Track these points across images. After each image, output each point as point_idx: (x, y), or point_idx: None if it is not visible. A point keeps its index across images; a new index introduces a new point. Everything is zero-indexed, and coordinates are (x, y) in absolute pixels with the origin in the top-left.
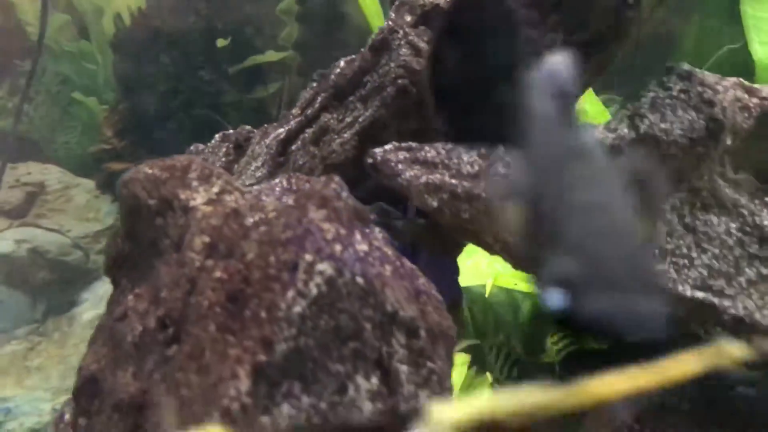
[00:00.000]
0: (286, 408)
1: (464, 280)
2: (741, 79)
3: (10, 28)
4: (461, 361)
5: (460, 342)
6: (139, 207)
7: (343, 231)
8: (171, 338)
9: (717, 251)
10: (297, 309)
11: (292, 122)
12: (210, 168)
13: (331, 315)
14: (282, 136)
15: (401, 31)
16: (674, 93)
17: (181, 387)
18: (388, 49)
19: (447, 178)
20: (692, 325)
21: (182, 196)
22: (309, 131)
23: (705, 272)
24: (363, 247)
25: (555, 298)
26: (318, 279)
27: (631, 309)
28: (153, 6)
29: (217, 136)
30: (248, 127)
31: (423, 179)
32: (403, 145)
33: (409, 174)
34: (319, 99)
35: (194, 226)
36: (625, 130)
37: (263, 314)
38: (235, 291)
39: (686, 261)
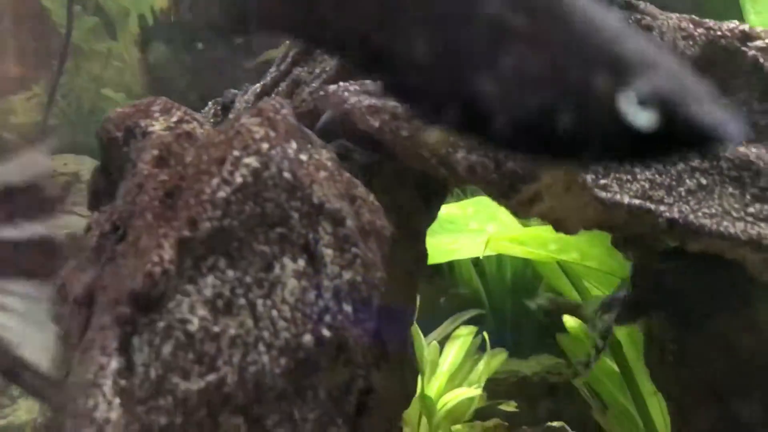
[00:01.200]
0: (210, 279)
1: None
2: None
3: (46, 31)
4: (467, 331)
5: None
6: (110, 141)
7: (273, 134)
8: (120, 237)
9: (660, 167)
10: (221, 194)
11: (268, 77)
12: (172, 103)
13: (256, 202)
14: (258, 90)
15: None
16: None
17: (121, 269)
18: None
19: (389, 102)
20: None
21: (143, 124)
22: (283, 84)
23: (647, 185)
24: (301, 155)
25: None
26: (244, 170)
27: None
28: (173, 5)
29: (210, 103)
30: (234, 90)
31: (366, 102)
32: (357, 82)
33: (354, 99)
34: (291, 54)
35: (148, 143)
36: None
37: (191, 201)
38: (172, 187)
39: (629, 176)
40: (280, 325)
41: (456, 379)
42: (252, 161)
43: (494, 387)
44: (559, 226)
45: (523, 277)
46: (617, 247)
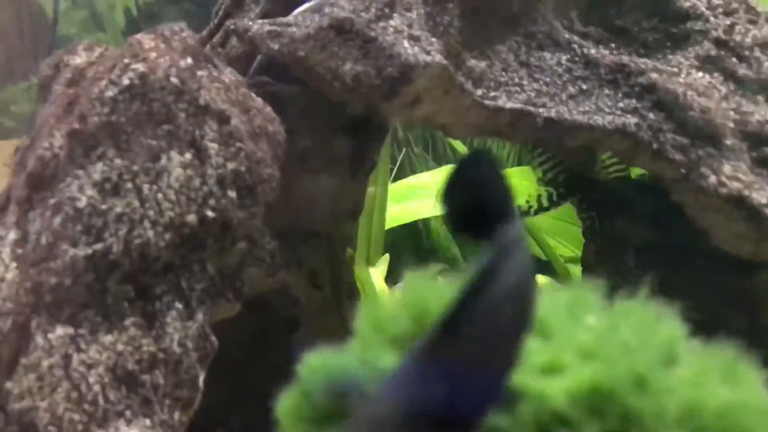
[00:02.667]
0: (99, 166)
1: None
2: None
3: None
4: None
5: None
6: (44, 79)
7: (163, 46)
8: (29, 145)
9: (548, 79)
10: (109, 93)
11: (204, 31)
12: (97, 43)
13: (143, 102)
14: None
15: None
16: None
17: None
18: None
19: (288, 28)
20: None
21: (67, 59)
22: (217, 36)
23: (533, 94)
24: (198, 70)
25: None
26: (131, 74)
27: None
28: None
29: None
30: None
31: (267, 28)
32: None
33: (256, 27)
34: (223, 7)
35: (66, 71)
36: None
37: (83, 101)
38: (72, 97)
39: (518, 88)
40: (165, 206)
41: None
42: (139, 66)
43: None
44: (446, 131)
45: None
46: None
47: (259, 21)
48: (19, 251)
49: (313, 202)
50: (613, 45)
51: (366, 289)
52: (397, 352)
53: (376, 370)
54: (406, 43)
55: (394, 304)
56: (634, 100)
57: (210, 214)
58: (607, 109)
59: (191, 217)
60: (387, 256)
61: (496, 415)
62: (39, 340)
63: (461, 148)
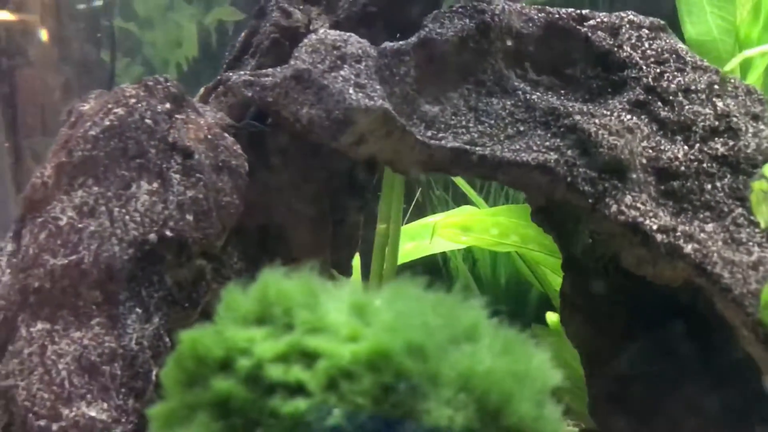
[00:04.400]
0: (80, 192)
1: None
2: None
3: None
4: None
5: None
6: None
7: (143, 94)
8: None
9: (492, 122)
10: (92, 132)
11: (211, 83)
12: (106, 92)
13: (120, 140)
14: (201, 92)
15: (273, 1)
16: (453, 8)
17: None
18: (265, 15)
19: (261, 78)
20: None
21: (77, 106)
22: (220, 88)
23: (476, 135)
24: (176, 114)
25: None
26: (112, 116)
27: None
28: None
29: None
30: None
31: (243, 78)
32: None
33: (234, 77)
34: (225, 64)
35: (73, 116)
36: (412, 39)
37: (72, 139)
38: (68, 136)
39: (464, 130)
40: (131, 226)
41: None
42: (119, 110)
43: None
44: (392, 166)
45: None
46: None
47: (240, 72)
48: (13, 260)
49: (285, 231)
50: (562, 92)
51: None
52: (242, 327)
53: (226, 340)
54: (351, 90)
55: (243, 291)
56: (558, 139)
57: (168, 233)
58: (535, 148)
59: (152, 236)
60: None
61: (297, 369)
62: (23, 332)
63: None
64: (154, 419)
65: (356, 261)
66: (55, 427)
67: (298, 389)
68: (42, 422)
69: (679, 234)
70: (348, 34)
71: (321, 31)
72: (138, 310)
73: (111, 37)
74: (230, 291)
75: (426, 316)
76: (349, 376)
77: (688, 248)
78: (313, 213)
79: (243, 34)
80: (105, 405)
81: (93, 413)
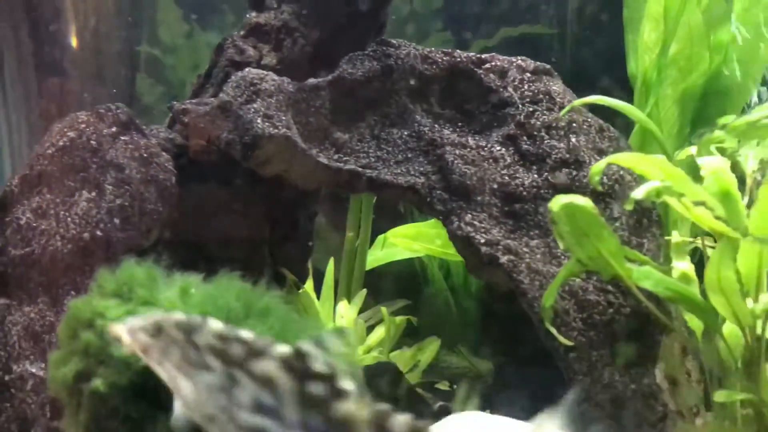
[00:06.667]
0: (37, 198)
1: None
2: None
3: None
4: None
5: None
6: None
7: (93, 119)
8: None
9: (389, 149)
10: (48, 151)
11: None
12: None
13: (69, 157)
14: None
15: (229, 39)
16: (366, 52)
17: None
18: (223, 51)
19: (197, 107)
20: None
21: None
22: None
23: (373, 160)
24: (121, 136)
25: None
26: (65, 138)
27: None
28: None
29: None
30: None
31: (182, 107)
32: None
33: (177, 105)
34: (190, 93)
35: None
36: (328, 77)
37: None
38: (35, 152)
39: (365, 155)
40: (71, 227)
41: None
42: (72, 133)
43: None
44: (299, 184)
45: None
46: None
47: (182, 101)
48: None
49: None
50: (459, 124)
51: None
52: (103, 299)
53: (92, 307)
54: (259, 120)
55: (111, 274)
56: (429, 166)
57: (99, 233)
58: (411, 172)
59: (86, 234)
60: (364, 291)
61: None
62: None
63: None
64: (50, 363)
65: (330, 265)
66: (6, 377)
67: None
68: None
69: (500, 247)
70: (266, 72)
71: (246, 69)
72: (72, 292)
73: (134, 60)
74: (101, 273)
75: (226, 299)
76: None
77: (504, 259)
78: (251, 223)
79: (207, 66)
80: (42, 364)
81: (33, 370)
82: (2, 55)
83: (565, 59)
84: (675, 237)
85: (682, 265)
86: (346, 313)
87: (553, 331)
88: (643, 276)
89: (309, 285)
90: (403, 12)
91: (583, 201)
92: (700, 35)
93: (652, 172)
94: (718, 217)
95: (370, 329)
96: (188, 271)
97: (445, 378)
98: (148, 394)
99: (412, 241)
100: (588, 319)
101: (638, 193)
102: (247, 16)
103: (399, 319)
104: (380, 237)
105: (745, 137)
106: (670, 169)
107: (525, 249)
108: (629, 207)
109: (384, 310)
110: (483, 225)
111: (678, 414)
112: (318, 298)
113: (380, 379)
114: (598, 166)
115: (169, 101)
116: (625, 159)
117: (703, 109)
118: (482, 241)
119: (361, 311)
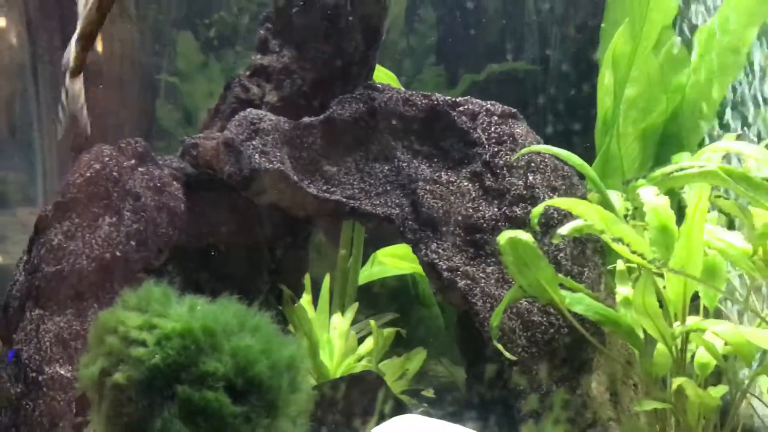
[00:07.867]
0: (66, 223)
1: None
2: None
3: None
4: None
5: None
6: None
7: (116, 153)
8: None
9: (372, 181)
10: (78, 181)
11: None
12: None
13: (95, 186)
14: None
15: (237, 78)
16: (354, 95)
17: None
18: (230, 89)
19: (205, 141)
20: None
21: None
22: None
23: (357, 191)
24: (139, 167)
25: None
26: (92, 170)
27: None
28: None
29: None
30: None
31: (191, 141)
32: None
33: (188, 139)
34: (201, 126)
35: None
36: (321, 117)
37: (66, 183)
38: (66, 181)
39: (350, 186)
40: (95, 248)
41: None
42: (97, 165)
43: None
44: (290, 212)
45: None
46: None
47: (193, 135)
48: (26, 267)
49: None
50: (435, 160)
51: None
52: (126, 311)
53: (116, 317)
54: (257, 155)
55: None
56: (404, 199)
57: (118, 254)
58: (389, 203)
59: (107, 255)
60: (356, 304)
61: (145, 333)
62: (27, 314)
63: None
64: (81, 363)
65: (326, 281)
66: (40, 378)
67: (142, 343)
68: (33, 374)
69: (459, 273)
70: (265, 113)
71: (248, 110)
72: (95, 305)
73: (154, 88)
74: (126, 292)
75: (225, 316)
76: (167, 339)
77: (461, 283)
78: (249, 242)
79: (217, 102)
80: (71, 368)
81: (62, 372)
82: (37, 60)
83: (546, 92)
84: (619, 265)
85: (624, 291)
86: (339, 324)
87: (500, 347)
88: (575, 302)
89: (307, 297)
90: (401, 46)
91: (525, 236)
92: (657, 79)
93: (588, 214)
94: (634, 251)
95: (362, 340)
96: (192, 279)
97: (431, 386)
98: (157, 385)
99: (399, 260)
100: (531, 337)
101: (564, 230)
102: (253, 58)
103: (387, 331)
104: (372, 255)
105: (662, 186)
106: (602, 212)
107: (481, 274)
108: (557, 240)
109: (372, 322)
110: (446, 253)
111: (616, 421)
112: (315, 309)
113: (362, 386)
114: (537, 209)
115: (184, 124)
116: (564, 203)
117: (663, 146)
118: (444, 267)
119: (354, 323)
